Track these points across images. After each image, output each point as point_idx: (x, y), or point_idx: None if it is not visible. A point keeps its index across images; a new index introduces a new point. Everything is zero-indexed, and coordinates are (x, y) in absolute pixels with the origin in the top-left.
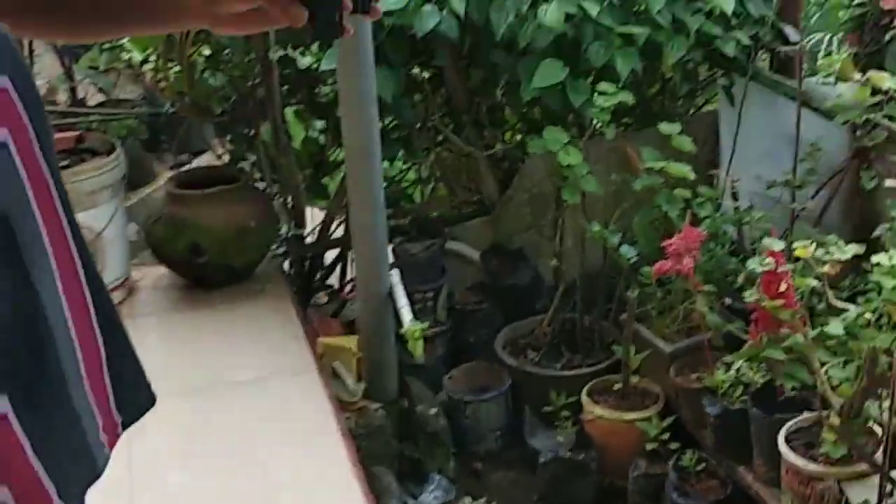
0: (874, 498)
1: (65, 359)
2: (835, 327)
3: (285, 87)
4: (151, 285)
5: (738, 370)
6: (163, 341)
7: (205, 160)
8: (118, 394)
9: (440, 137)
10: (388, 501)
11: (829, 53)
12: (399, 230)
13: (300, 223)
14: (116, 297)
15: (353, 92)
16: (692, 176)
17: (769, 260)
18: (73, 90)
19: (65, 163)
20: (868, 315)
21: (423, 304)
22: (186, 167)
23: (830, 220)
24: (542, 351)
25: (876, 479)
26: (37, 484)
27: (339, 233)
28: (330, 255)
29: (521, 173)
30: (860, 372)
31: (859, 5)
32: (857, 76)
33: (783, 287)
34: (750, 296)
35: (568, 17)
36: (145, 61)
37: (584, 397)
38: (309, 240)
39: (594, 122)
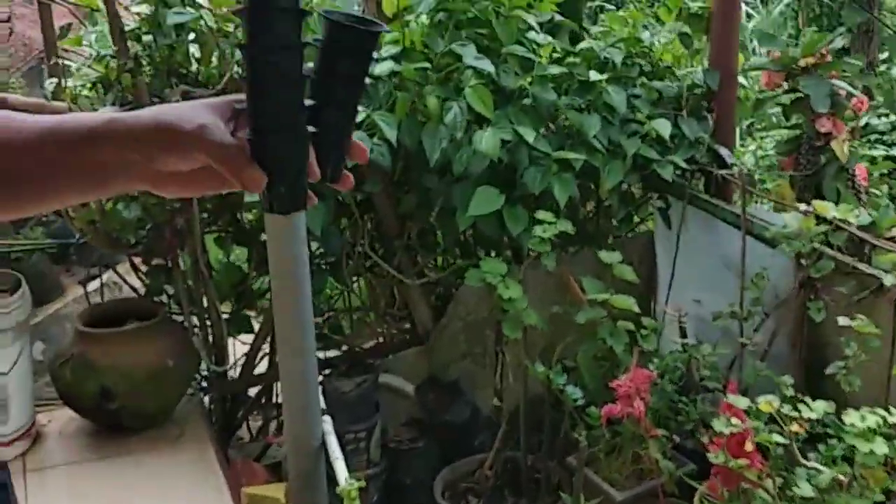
0: None
1: None
2: (805, 489)
3: (205, 213)
4: (59, 431)
5: None
6: (71, 499)
7: (120, 271)
8: None
9: (369, 264)
10: None
11: (764, 181)
12: (328, 363)
13: (222, 359)
14: (19, 447)
15: (279, 226)
16: (636, 309)
17: (735, 421)
18: None
19: None
20: (841, 477)
21: (356, 444)
22: (96, 287)
23: (778, 352)
24: (485, 496)
25: None
26: None
27: (266, 363)
28: (255, 387)
29: (456, 300)
30: None
31: (794, 127)
32: (802, 206)
33: (748, 446)
34: (707, 440)
35: (503, 143)
36: None
37: None
38: (232, 376)
39: (531, 248)
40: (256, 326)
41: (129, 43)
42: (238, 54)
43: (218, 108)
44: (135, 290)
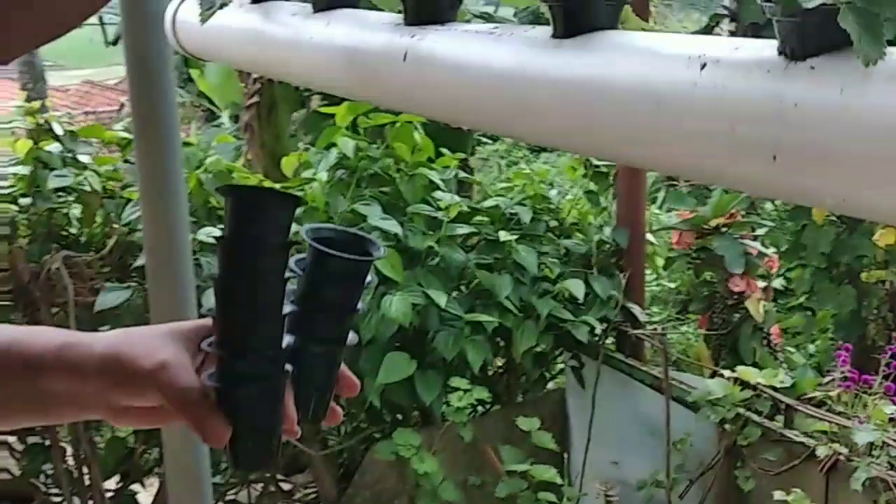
0: None
1: None
2: None
3: None
4: None
5: None
6: None
7: None
8: None
9: None
10: None
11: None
12: None
13: None
14: None
15: None
16: (558, 480)
17: None
18: None
19: None
20: None
21: None
22: None
23: None
24: None
25: None
26: None
27: None
28: None
29: (363, 469)
30: None
31: (707, 283)
32: (726, 372)
33: None
34: None
35: (413, 306)
36: None
37: None
38: None
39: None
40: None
41: (4, 206)
42: (127, 212)
43: (185, 336)
44: (8, 471)
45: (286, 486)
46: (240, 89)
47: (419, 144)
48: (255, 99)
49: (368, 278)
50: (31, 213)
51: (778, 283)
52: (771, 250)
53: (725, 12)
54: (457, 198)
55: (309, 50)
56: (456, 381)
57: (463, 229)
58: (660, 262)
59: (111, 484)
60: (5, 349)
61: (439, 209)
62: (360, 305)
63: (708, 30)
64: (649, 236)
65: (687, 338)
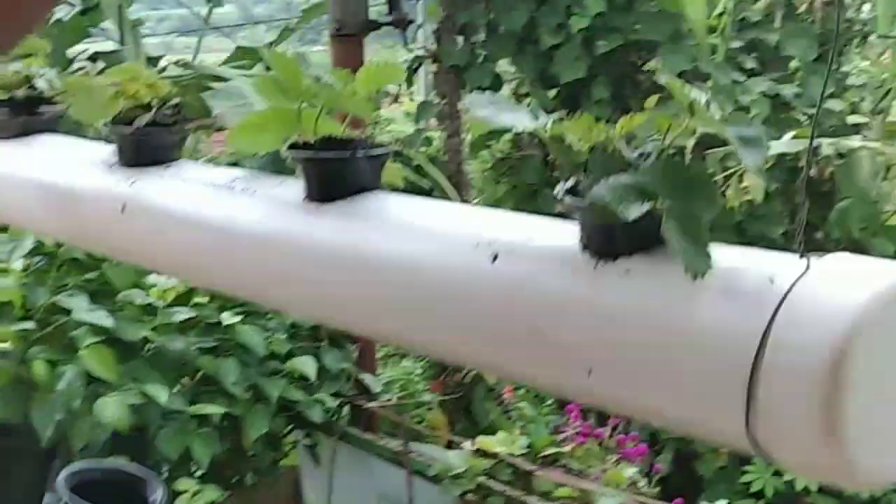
0: None
1: None
2: None
3: None
4: None
5: None
6: None
7: None
8: None
9: None
10: None
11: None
12: None
13: None
14: None
15: None
16: None
17: None
18: None
19: None
20: None
21: None
22: None
23: None
24: None
25: None
26: None
27: None
28: None
29: None
30: None
31: None
32: (466, 443)
33: None
34: None
35: (130, 406)
36: None
37: None
38: None
39: None
40: None
41: None
42: None
43: None
44: None
45: None
46: None
47: None
48: None
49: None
50: None
51: None
52: None
53: (426, 54)
54: (173, 280)
55: (7, 187)
56: (184, 484)
57: (181, 314)
58: None
59: None
60: None
61: (153, 294)
62: None
63: (410, 73)
64: None
65: (427, 406)
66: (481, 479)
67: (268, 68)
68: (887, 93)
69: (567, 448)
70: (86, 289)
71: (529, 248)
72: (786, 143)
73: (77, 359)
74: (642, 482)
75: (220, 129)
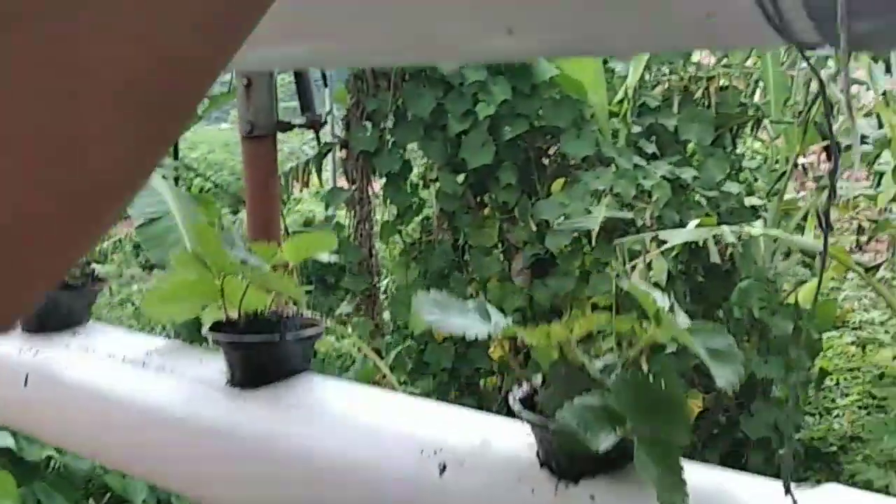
0: None
1: None
2: None
3: None
4: None
5: None
6: None
7: None
8: None
9: None
10: None
11: None
12: None
13: None
14: None
15: None
16: None
17: None
18: None
19: None
20: None
21: None
22: None
23: None
24: None
25: None
26: None
27: None
28: None
29: None
30: None
31: None
32: None
33: None
34: None
35: None
36: None
37: None
38: None
39: None
40: None
41: None
42: None
43: None
44: None
45: None
46: None
47: None
48: None
49: None
50: None
51: None
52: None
53: (335, 140)
54: None
55: None
56: None
57: None
58: None
59: None
60: None
61: None
62: None
63: (320, 159)
64: None
65: None
66: None
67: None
68: (782, 175)
69: None
70: None
71: (481, 460)
72: (690, 233)
73: None
74: None
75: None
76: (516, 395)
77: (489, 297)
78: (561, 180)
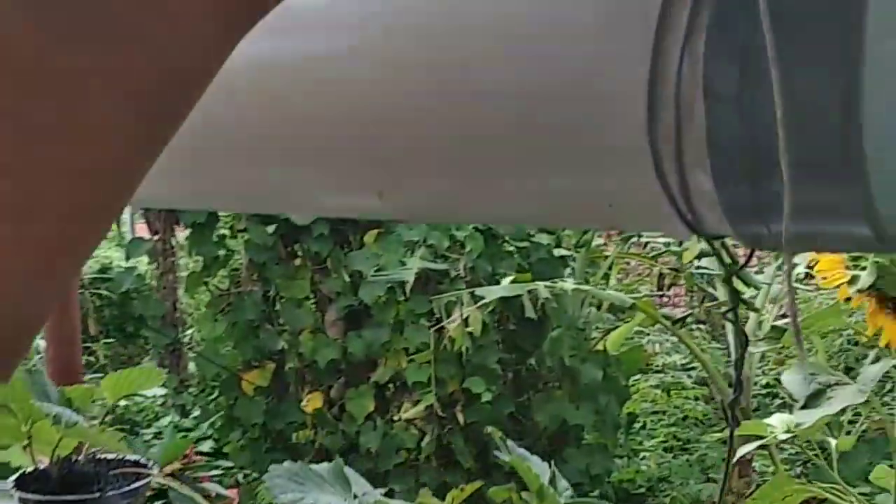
0: None
1: None
2: None
3: None
4: None
5: None
6: None
7: None
8: None
9: None
10: None
11: None
12: None
13: None
14: None
15: None
16: None
17: None
18: None
19: None
20: None
21: None
22: None
23: None
24: None
25: None
26: None
27: None
28: None
29: None
30: None
31: None
32: None
33: None
34: None
35: None
36: None
37: None
38: None
39: None
40: None
41: None
42: None
43: None
44: None
45: None
46: None
47: None
48: None
49: None
50: None
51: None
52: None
53: None
54: None
55: None
56: None
57: None
58: None
59: None
60: None
61: None
62: None
63: None
64: None
65: None
66: None
67: None
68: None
69: None
70: None
71: None
72: (506, 289)
73: None
74: None
75: None
76: None
77: (302, 349)
78: (374, 231)
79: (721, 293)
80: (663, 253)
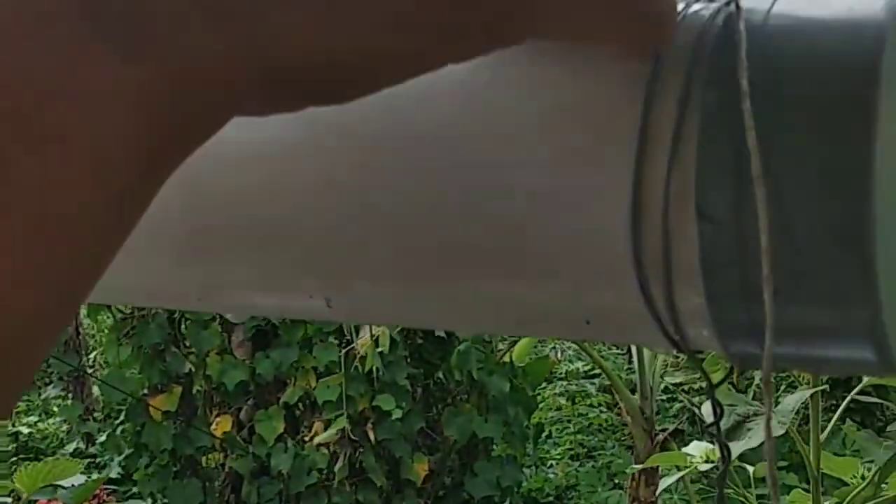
0: None
1: None
2: None
3: None
4: None
5: None
6: None
7: None
8: None
9: None
10: None
11: None
12: None
13: None
14: None
15: None
16: None
17: None
18: None
19: None
20: None
21: None
22: None
23: None
24: None
25: None
26: None
27: None
28: None
29: None
30: None
31: None
32: None
33: None
34: None
35: None
36: None
37: None
38: None
39: None
40: None
41: None
42: None
43: None
44: None
45: None
46: None
47: None
48: None
49: None
50: None
51: None
52: None
53: None
54: None
55: None
56: None
57: None
58: None
59: None
60: None
61: None
62: None
63: None
64: None
65: None
66: None
67: None
68: None
69: None
70: None
71: None
72: None
73: None
74: None
75: None
76: None
77: (209, 371)
78: None
79: None
80: None
